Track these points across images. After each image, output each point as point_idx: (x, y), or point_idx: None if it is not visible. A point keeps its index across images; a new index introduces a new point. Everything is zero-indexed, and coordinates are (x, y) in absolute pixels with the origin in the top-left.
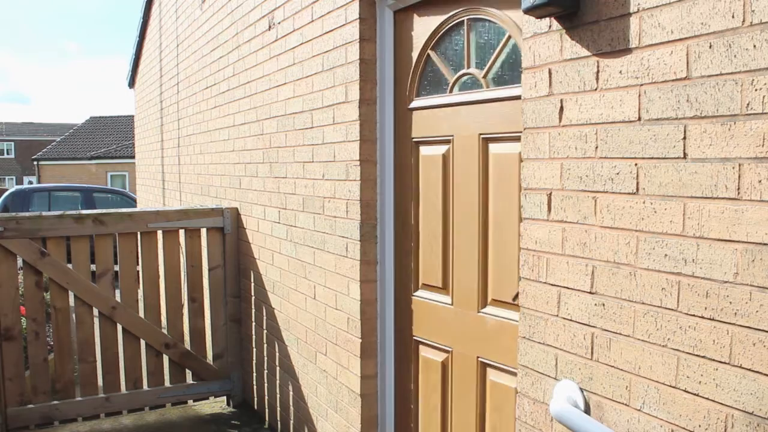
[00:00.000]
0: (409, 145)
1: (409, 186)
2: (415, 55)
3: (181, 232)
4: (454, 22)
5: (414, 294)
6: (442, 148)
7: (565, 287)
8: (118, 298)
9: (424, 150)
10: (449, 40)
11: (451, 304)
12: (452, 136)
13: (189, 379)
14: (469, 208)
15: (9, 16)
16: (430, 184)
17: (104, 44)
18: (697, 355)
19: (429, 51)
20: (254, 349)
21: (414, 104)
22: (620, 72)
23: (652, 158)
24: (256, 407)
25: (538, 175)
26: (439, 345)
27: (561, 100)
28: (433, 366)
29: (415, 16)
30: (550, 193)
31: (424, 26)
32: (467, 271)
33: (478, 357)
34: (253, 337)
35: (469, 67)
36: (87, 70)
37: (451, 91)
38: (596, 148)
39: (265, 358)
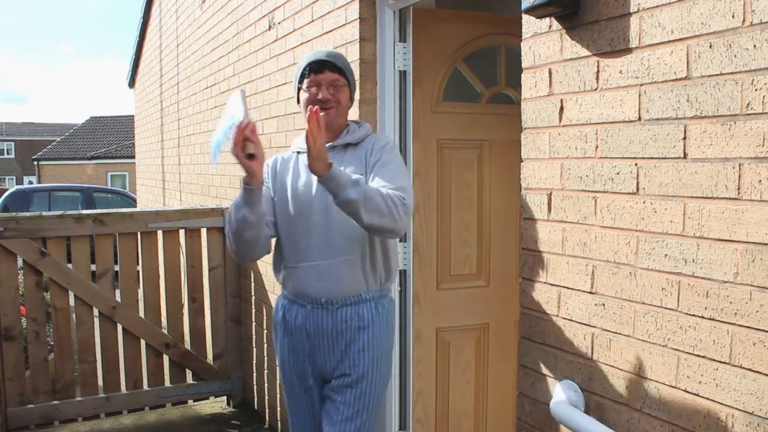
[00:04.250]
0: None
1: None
2: (443, 64)
3: (181, 232)
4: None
5: None
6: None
7: (565, 287)
8: (118, 298)
9: (448, 151)
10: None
11: None
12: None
13: (189, 379)
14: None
15: (5, 16)
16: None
17: (103, 44)
18: (697, 355)
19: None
20: (254, 349)
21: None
22: (620, 72)
23: (652, 158)
24: (256, 407)
25: (539, 175)
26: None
27: (561, 100)
28: None
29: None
30: (551, 193)
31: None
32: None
33: None
34: (254, 337)
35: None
36: (86, 71)
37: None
38: (596, 148)
39: (266, 358)
